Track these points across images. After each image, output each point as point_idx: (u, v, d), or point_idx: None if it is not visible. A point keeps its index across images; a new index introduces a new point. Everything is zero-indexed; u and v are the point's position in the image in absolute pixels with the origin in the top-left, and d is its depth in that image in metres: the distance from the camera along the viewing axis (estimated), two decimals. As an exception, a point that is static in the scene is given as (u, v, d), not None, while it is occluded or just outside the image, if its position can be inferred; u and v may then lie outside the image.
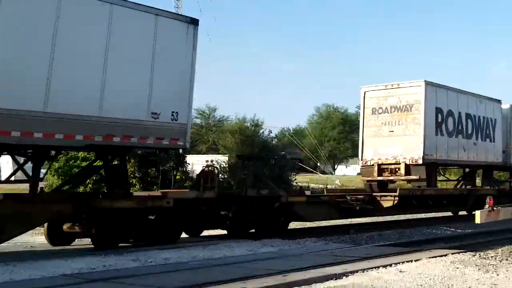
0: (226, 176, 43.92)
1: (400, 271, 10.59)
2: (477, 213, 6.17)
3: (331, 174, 76.10)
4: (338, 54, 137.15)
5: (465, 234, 20.83)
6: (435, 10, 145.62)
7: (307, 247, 14.61)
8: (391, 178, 25.89)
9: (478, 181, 33.72)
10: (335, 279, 9.86)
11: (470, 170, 31.64)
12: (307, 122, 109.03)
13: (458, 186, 31.62)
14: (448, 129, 26.98)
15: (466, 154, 28.36)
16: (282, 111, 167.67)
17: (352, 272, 10.38)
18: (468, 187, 30.80)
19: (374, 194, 24.49)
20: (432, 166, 26.53)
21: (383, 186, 25.80)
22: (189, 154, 48.92)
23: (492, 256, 12.83)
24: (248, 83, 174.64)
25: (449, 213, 30.76)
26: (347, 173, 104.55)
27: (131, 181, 30.15)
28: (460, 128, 27.86)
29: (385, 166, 25.79)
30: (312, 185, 46.16)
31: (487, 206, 6.33)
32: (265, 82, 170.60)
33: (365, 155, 26.49)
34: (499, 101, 30.85)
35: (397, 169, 25.30)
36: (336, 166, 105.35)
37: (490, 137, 29.96)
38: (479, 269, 10.90)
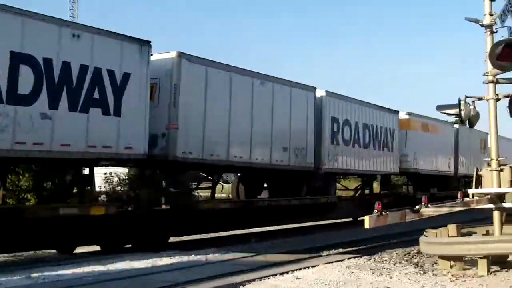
0: (125, 189, 42.88)
1: (297, 278, 10.67)
2: (366, 218, 6.30)
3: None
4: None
5: (364, 239, 21.36)
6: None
7: (208, 257, 14.48)
8: None
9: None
10: (234, 289, 9.85)
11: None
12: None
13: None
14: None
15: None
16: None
17: (250, 281, 10.38)
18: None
19: None
20: None
21: None
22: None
23: (386, 260, 13.15)
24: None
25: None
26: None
27: (25, 195, 28.90)
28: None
29: None
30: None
31: (375, 211, 6.48)
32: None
33: None
34: (145, 43, 17.16)
35: None
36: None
37: (106, 108, 16.12)
38: (373, 273, 11.14)
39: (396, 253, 15.15)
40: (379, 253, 15.38)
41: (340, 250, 17.05)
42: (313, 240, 20.75)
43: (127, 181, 37.86)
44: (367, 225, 6.62)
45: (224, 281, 10.37)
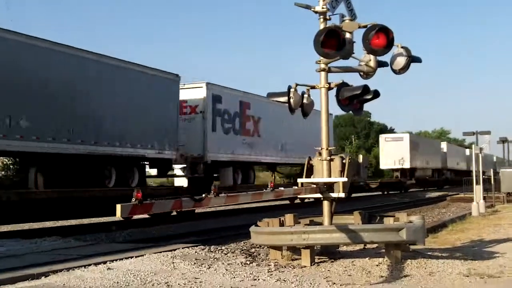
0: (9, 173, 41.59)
1: (109, 268, 10.13)
2: (118, 207, 5.82)
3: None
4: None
5: (234, 226, 21.08)
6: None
7: (41, 247, 13.72)
8: None
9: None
10: (30, 280, 9.21)
11: None
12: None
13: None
14: None
15: None
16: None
17: (56, 271, 9.75)
18: None
19: None
20: None
21: None
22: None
23: (221, 250, 12.82)
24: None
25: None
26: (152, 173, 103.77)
27: None
28: None
29: None
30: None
31: (134, 199, 6.01)
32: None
33: None
34: None
35: None
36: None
37: None
38: (194, 263, 10.72)
39: (244, 243, 14.95)
40: (226, 243, 15.15)
41: (193, 239, 16.77)
42: (170, 230, 20.46)
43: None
44: (118, 214, 6.18)
45: (27, 271, 9.66)
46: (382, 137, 60.15)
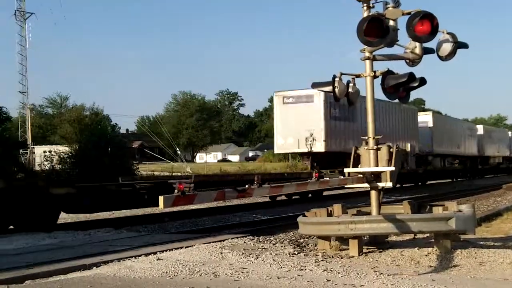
0: (66, 167, 42.49)
1: (158, 259, 10.31)
2: (161, 198, 5.91)
3: (183, 161, 74.07)
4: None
5: (284, 217, 21.07)
6: None
7: (94, 238, 14.06)
8: None
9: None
10: (82, 270, 9.47)
11: None
12: (164, 110, 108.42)
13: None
14: None
15: None
16: (141, 100, 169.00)
17: (107, 262, 10.00)
18: None
19: None
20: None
21: None
22: (41, 144, 48.03)
23: (270, 240, 12.89)
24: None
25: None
26: (208, 160, 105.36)
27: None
28: None
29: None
30: (157, 173, 45.59)
31: (176, 190, 6.10)
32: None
33: None
34: None
35: None
36: (195, 154, 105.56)
37: None
38: (242, 253, 10.82)
39: (293, 233, 14.96)
40: (275, 233, 15.19)
41: (243, 229, 16.87)
42: (221, 220, 20.63)
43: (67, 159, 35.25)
44: (161, 205, 6.27)
45: (79, 262, 9.95)
46: (279, 97, 32.57)
